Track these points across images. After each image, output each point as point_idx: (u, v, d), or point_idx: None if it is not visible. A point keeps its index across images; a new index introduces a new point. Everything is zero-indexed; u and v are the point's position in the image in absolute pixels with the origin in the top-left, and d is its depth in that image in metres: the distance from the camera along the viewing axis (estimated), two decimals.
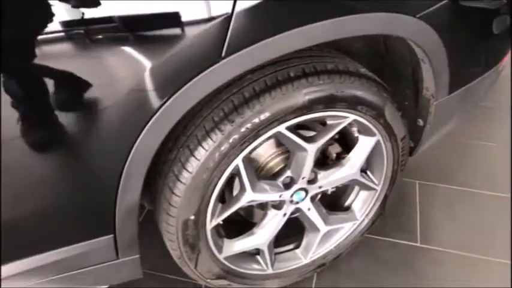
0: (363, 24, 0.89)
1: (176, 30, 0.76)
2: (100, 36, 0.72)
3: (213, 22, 0.75)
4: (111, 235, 0.93)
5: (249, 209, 1.25)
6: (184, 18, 0.75)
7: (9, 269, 0.87)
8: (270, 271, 1.23)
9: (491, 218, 1.55)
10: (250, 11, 0.76)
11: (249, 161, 1.04)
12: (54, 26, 0.68)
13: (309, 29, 0.82)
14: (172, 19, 0.75)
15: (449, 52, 1.05)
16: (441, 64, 1.06)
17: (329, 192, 1.27)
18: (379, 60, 1.21)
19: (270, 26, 0.79)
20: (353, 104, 1.02)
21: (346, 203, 1.30)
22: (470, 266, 1.39)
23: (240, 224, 1.25)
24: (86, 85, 0.74)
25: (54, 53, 0.71)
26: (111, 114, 0.77)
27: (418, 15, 0.94)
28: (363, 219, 1.29)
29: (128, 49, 0.74)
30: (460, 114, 1.33)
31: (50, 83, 0.72)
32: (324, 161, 1.21)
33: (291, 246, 1.29)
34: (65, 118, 0.76)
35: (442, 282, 1.34)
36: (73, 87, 0.74)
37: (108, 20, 0.71)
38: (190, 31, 0.76)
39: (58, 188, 0.83)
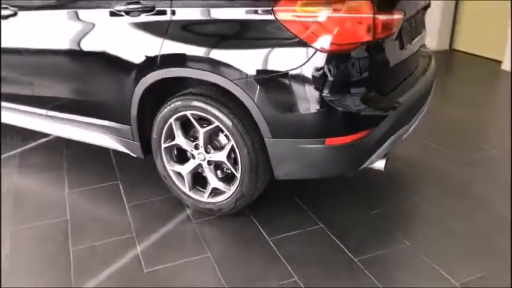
0: (202, 75, 2.12)
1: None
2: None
3: (147, 60, 2.22)
4: (130, 127, 2.50)
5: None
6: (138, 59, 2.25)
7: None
8: (187, 192, 2.46)
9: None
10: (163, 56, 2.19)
11: (181, 124, 2.36)
12: None
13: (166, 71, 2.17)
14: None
15: (260, 107, 2.04)
16: (256, 113, 2.06)
17: (225, 170, 2.38)
18: None
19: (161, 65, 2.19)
20: (215, 117, 2.18)
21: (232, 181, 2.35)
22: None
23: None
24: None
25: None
26: (127, 78, 2.36)
27: (234, 80, 2.04)
28: (233, 193, 2.30)
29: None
30: (299, 167, 2.15)
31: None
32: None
33: (206, 190, 2.44)
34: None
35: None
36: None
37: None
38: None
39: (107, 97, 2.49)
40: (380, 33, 1.98)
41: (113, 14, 2.32)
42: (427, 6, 2.71)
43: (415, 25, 2.45)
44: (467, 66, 5.27)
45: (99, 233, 2.34)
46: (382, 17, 1.96)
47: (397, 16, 2.08)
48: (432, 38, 5.94)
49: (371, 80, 2.04)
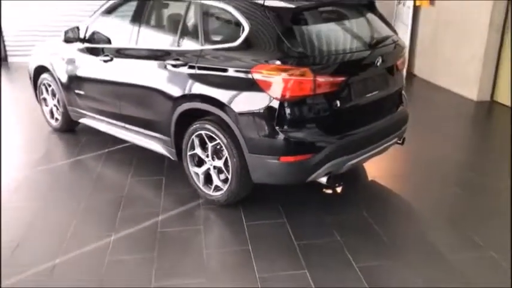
0: (210, 109, 3.26)
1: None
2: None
3: (181, 96, 3.42)
4: (170, 138, 3.71)
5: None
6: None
7: None
8: (201, 186, 3.59)
9: None
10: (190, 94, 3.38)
11: (199, 140, 3.50)
12: None
13: (192, 103, 3.34)
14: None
15: (241, 132, 3.11)
16: (239, 135, 3.14)
17: (225, 174, 3.45)
18: None
19: (189, 100, 3.37)
20: (217, 136, 3.29)
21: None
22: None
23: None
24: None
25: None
26: (171, 106, 3.58)
27: (227, 114, 3.14)
28: (225, 190, 3.37)
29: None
30: (265, 175, 3.16)
31: None
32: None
33: (211, 186, 3.54)
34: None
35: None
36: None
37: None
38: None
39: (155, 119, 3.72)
40: (320, 90, 2.97)
41: (166, 65, 3.59)
42: (393, 68, 3.59)
43: (372, 83, 3.36)
44: (503, 119, 5.73)
45: (139, 206, 3.57)
46: (321, 80, 2.95)
47: (338, 79, 3.04)
48: (473, 89, 6.48)
49: (313, 120, 3.03)
